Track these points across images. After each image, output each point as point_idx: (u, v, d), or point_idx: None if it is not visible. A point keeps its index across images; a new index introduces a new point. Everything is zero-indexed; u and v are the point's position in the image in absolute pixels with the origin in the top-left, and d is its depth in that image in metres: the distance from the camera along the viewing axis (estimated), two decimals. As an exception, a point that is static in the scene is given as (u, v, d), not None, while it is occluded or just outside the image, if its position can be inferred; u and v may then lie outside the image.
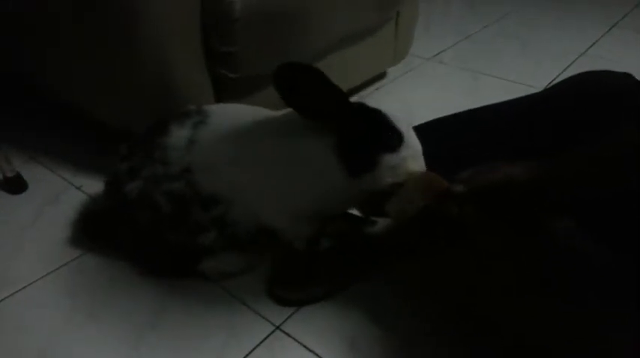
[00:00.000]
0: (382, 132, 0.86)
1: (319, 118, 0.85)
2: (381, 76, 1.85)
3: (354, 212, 1.05)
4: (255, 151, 0.90)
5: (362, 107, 0.88)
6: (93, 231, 1.14)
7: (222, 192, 0.92)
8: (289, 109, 0.90)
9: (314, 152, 0.87)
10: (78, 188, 1.29)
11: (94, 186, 1.25)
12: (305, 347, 0.90)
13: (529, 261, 0.85)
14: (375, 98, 1.71)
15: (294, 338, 0.91)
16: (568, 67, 1.94)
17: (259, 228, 0.98)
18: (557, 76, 1.84)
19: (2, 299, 0.99)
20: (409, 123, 0.90)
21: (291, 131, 0.89)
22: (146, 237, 1.00)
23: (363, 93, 1.74)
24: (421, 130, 1.11)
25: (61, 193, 1.27)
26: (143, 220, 0.96)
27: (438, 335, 0.92)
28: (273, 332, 0.93)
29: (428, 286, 1.01)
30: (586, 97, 0.88)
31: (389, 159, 0.85)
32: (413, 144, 0.87)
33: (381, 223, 1.06)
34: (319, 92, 0.82)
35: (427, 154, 0.89)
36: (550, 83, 1.75)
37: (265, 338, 0.92)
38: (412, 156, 0.87)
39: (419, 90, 1.78)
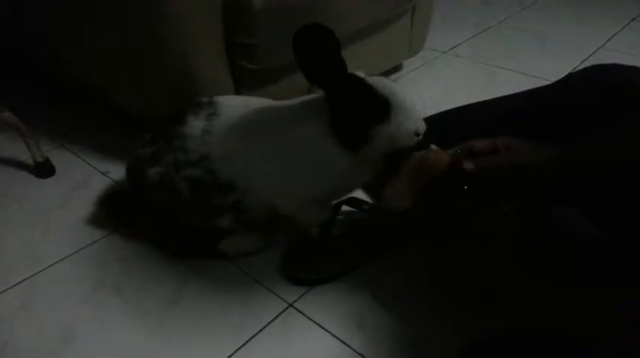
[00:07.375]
0: (369, 105, 0.85)
1: (320, 85, 0.86)
2: (397, 68, 1.86)
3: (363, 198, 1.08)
4: (260, 143, 0.94)
5: (352, 78, 0.87)
6: (118, 213, 1.18)
7: (237, 180, 0.96)
8: (291, 100, 0.95)
9: (311, 137, 0.90)
10: (104, 173, 1.34)
11: (120, 172, 1.29)
12: (316, 323, 0.94)
13: (530, 243, 0.87)
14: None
15: (305, 315, 0.95)
16: (585, 60, 1.93)
17: (273, 214, 1.02)
18: (574, 70, 1.83)
19: (32, 276, 1.04)
20: (398, 87, 0.89)
21: (289, 121, 0.92)
22: (165, 219, 1.04)
23: (378, 85, 1.75)
24: (433, 119, 1.14)
25: (88, 178, 1.32)
26: (163, 203, 0.99)
27: (442, 314, 0.95)
28: (286, 309, 0.97)
29: (434, 268, 1.04)
30: (595, 90, 0.89)
31: (381, 130, 0.85)
32: (405, 109, 0.86)
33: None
34: (325, 57, 0.82)
35: (439, 140, 0.92)
36: (565, 77, 1.75)
37: (279, 315, 0.96)
38: (406, 120, 0.86)
39: (434, 83, 1.79)
